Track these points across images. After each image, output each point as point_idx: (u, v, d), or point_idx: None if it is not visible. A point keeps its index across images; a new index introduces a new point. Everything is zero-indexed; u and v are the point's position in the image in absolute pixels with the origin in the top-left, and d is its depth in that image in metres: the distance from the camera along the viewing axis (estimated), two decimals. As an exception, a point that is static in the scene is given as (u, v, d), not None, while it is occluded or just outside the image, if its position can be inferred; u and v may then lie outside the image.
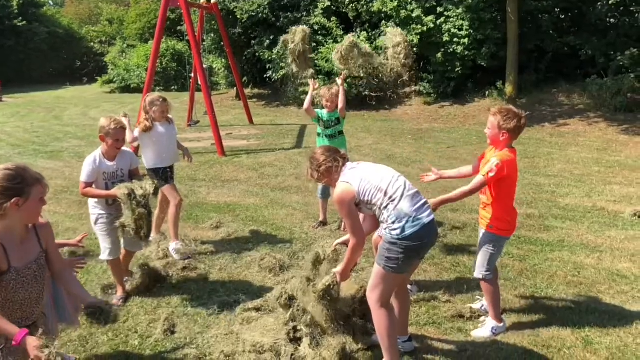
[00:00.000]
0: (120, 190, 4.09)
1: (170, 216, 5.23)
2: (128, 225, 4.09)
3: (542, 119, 12.97)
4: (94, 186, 4.13)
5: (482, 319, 3.87)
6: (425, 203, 3.12)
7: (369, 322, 3.75)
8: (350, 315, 3.72)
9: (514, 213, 3.69)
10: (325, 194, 5.95)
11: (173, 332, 3.80)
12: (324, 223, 6.03)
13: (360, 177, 3.11)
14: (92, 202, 4.25)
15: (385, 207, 3.03)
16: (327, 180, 3.29)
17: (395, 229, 2.98)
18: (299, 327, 3.53)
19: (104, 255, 4.25)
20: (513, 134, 3.54)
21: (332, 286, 3.34)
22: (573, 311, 3.97)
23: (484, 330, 3.72)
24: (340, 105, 5.76)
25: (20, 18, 31.37)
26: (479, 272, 3.71)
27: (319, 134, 5.99)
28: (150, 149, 5.18)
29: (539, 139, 11.30)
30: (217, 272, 4.83)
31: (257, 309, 4.00)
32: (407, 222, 2.97)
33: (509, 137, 3.54)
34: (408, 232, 2.97)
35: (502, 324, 3.72)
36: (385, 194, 3.04)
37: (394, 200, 3.02)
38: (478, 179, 3.51)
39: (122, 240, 4.35)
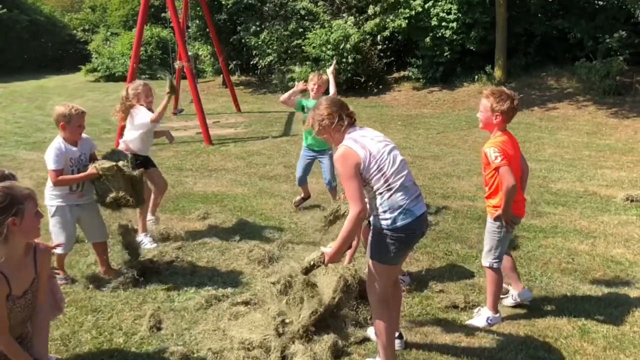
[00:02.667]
0: (102, 165, 4.12)
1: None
2: (122, 196, 4.14)
3: (531, 103, 12.91)
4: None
5: (477, 309, 3.78)
6: (420, 194, 3.00)
7: (361, 314, 3.68)
8: (340, 307, 3.65)
9: (519, 196, 3.52)
10: (303, 181, 5.97)
11: (159, 329, 3.66)
12: (305, 199, 6.08)
13: (368, 149, 2.85)
14: (49, 193, 4.19)
15: (380, 193, 2.87)
16: (326, 136, 3.03)
17: (385, 219, 2.86)
18: (287, 321, 3.44)
19: (57, 249, 4.08)
20: (506, 116, 3.43)
21: (316, 265, 3.11)
22: (568, 299, 3.90)
23: (479, 320, 3.63)
24: (331, 90, 5.64)
25: (0, 6, 30.62)
26: (486, 260, 3.61)
27: (303, 122, 5.84)
28: (137, 134, 5.10)
29: (529, 123, 11.23)
30: (204, 265, 4.69)
31: (246, 303, 3.90)
32: (399, 213, 2.85)
33: (502, 119, 3.43)
34: (399, 223, 2.85)
35: (497, 315, 3.64)
36: (386, 180, 2.85)
37: (390, 190, 2.85)
38: (502, 171, 3.33)
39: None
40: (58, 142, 4.09)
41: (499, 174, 3.36)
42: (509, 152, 3.40)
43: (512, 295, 3.82)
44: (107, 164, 4.14)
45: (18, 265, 2.38)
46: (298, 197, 6.12)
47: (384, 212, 2.87)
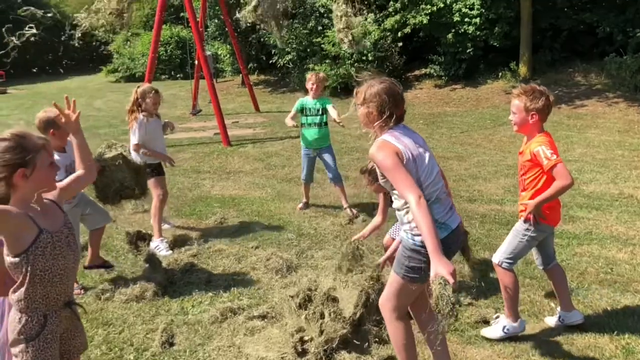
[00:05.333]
0: (107, 155, 4.07)
1: (153, 210, 5.09)
2: (126, 186, 4.13)
3: (558, 100, 12.45)
4: None
5: (495, 315, 3.52)
6: (453, 205, 2.76)
7: (384, 331, 3.45)
8: (362, 323, 3.43)
9: (554, 202, 3.26)
10: (309, 179, 6.04)
11: (172, 344, 3.49)
12: (307, 204, 6.11)
13: (410, 150, 2.55)
14: None
15: None
16: (363, 122, 2.69)
17: (418, 235, 2.57)
18: (306, 338, 3.23)
19: None
20: (543, 115, 3.18)
21: (452, 293, 2.29)
22: (609, 314, 3.62)
23: (494, 329, 3.37)
24: (335, 117, 5.59)
25: (24, 8, 31.02)
26: (497, 256, 3.36)
27: (302, 124, 5.85)
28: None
29: (556, 122, 10.82)
30: (220, 274, 4.51)
31: (263, 317, 3.70)
32: None
33: (538, 118, 3.18)
34: None
35: (517, 324, 3.34)
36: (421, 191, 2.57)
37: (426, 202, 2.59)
38: (555, 170, 3.06)
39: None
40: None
41: (555, 171, 3.07)
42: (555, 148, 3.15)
43: (560, 316, 3.51)
44: (112, 153, 4.08)
45: (39, 207, 2.24)
46: (301, 204, 6.11)
47: (417, 227, 2.57)
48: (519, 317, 3.38)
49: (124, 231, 4.97)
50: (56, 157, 3.87)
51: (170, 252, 4.96)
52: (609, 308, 3.70)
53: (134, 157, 4.74)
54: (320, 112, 5.75)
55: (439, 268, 2.28)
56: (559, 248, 4.71)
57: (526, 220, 3.28)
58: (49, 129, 3.85)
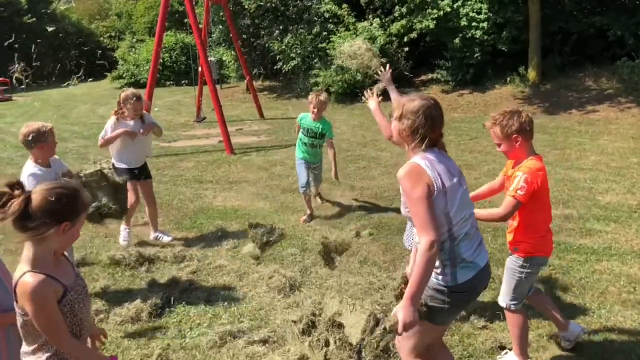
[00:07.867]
0: (86, 171, 4.02)
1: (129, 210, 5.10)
2: (104, 204, 4.05)
3: (568, 106, 12.21)
4: None
5: (504, 351, 3.29)
6: (482, 241, 2.54)
7: (394, 358, 3.23)
8: (368, 349, 3.21)
9: (543, 231, 3.07)
10: (309, 186, 5.91)
11: (167, 372, 3.29)
12: (312, 216, 5.97)
13: (442, 181, 2.31)
14: None
15: (441, 242, 2.33)
16: (395, 137, 2.51)
17: (444, 275, 2.37)
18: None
19: None
20: (524, 134, 2.96)
21: (386, 337, 2.40)
22: (635, 340, 3.37)
23: None
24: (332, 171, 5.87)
25: (30, 15, 31.09)
26: (502, 299, 3.15)
27: (299, 139, 5.89)
28: (116, 146, 5.12)
29: (567, 128, 10.57)
30: (220, 293, 4.30)
31: (264, 341, 3.49)
32: (461, 267, 2.39)
33: (522, 139, 2.96)
34: (460, 280, 2.37)
35: None
36: (450, 228, 2.34)
37: (453, 239, 2.35)
38: (507, 201, 2.91)
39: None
40: (33, 166, 3.83)
41: (507, 201, 2.91)
42: (537, 185, 2.92)
43: (562, 337, 3.30)
44: (91, 169, 4.03)
45: (54, 262, 2.13)
46: (305, 216, 5.96)
47: (444, 266, 2.37)
48: (529, 357, 3.15)
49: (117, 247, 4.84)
50: (38, 172, 3.73)
51: (126, 242, 5.16)
52: (634, 333, 3.46)
53: (117, 163, 4.84)
54: (318, 136, 5.78)
55: (400, 311, 2.25)
56: (577, 264, 4.48)
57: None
58: (36, 143, 3.71)
